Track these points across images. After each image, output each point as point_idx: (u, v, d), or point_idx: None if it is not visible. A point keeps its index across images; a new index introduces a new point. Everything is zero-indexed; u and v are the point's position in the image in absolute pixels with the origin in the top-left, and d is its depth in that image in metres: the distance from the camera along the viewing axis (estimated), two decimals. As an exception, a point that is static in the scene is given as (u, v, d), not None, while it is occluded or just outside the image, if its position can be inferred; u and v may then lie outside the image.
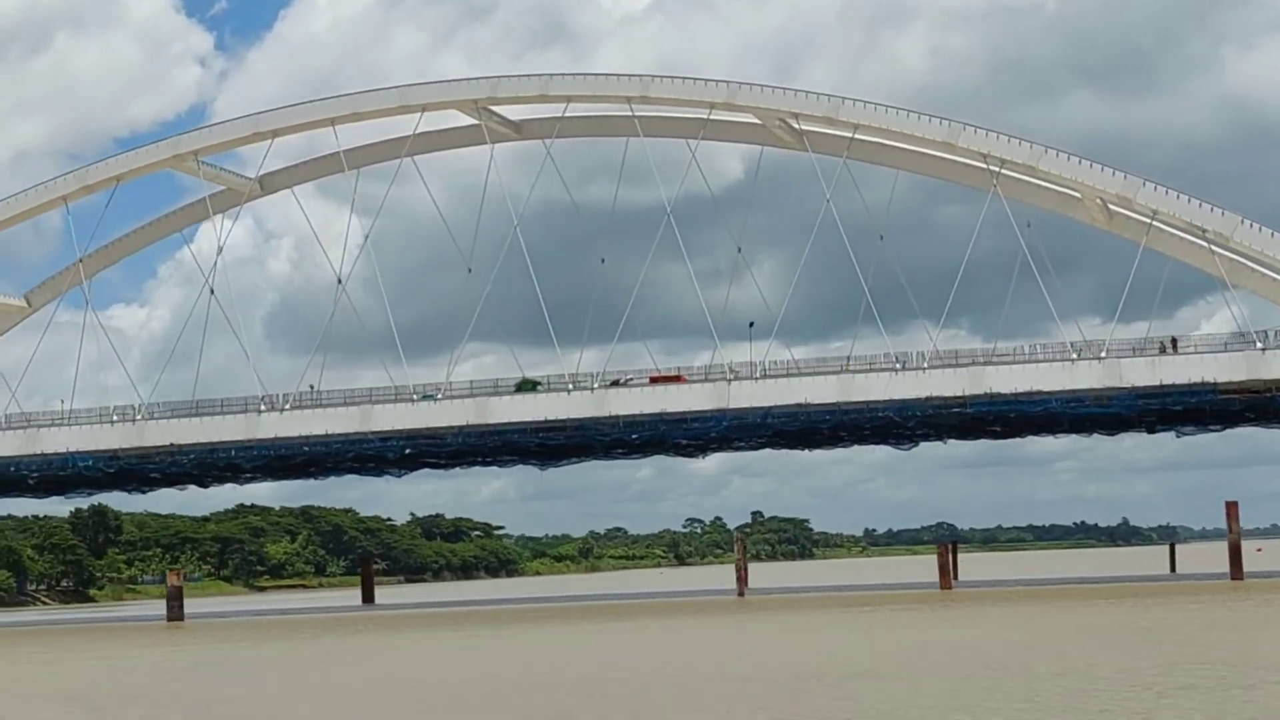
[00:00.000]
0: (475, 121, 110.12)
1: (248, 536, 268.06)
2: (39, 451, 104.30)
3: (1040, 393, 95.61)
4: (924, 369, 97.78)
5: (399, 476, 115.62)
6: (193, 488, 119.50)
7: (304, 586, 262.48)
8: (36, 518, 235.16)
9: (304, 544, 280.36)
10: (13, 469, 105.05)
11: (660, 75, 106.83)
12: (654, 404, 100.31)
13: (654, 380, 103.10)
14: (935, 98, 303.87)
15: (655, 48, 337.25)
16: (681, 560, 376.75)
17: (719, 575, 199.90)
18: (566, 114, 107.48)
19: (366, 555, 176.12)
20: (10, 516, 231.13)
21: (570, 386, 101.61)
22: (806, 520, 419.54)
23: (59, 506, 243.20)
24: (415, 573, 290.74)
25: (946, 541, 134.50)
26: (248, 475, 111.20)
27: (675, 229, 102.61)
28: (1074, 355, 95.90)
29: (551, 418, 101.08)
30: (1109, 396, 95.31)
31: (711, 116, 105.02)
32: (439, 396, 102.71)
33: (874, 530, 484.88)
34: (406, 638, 71.09)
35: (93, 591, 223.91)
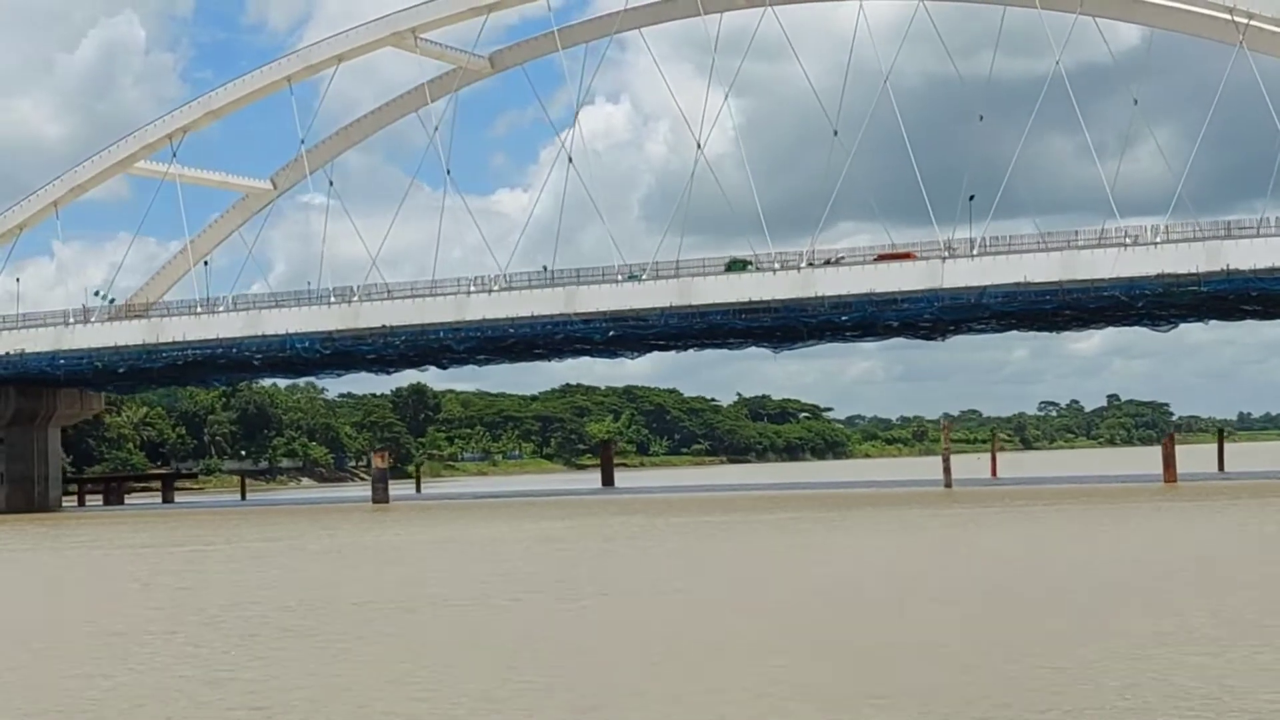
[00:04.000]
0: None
1: (570, 415, 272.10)
2: (260, 333, 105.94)
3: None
4: (1155, 244, 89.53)
5: (613, 358, 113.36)
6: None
7: (625, 465, 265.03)
8: (357, 396, 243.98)
9: (627, 423, 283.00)
10: (235, 350, 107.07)
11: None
12: (862, 284, 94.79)
13: (882, 258, 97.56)
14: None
15: None
16: (1028, 445, 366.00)
17: (1020, 461, 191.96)
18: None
19: (606, 441, 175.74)
20: (329, 394, 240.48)
21: (777, 266, 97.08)
22: (1166, 404, 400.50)
23: (382, 384, 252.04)
24: (739, 454, 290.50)
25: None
26: (459, 356, 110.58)
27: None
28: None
29: (756, 299, 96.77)
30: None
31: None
32: (644, 277, 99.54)
33: (1249, 414, 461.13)
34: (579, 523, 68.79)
35: (409, 468, 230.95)
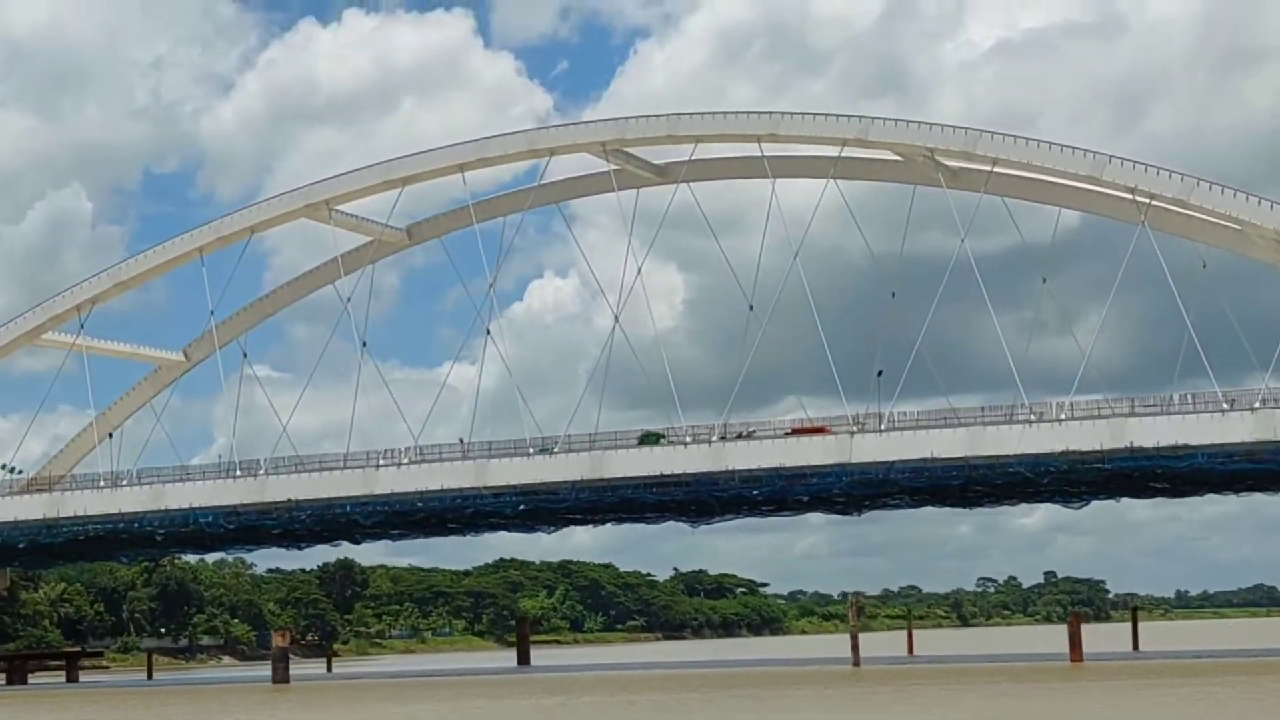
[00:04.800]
0: (617, 166, 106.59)
1: (503, 591, 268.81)
2: (163, 507, 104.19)
3: (1186, 447, 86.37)
4: (1060, 421, 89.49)
5: (529, 532, 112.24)
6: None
7: (558, 643, 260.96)
8: (285, 571, 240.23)
9: (561, 599, 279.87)
10: (138, 525, 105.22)
11: (789, 112, 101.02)
12: (772, 458, 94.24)
13: (795, 431, 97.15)
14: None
15: (995, 94, 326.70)
16: (965, 621, 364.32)
17: (946, 639, 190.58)
18: (694, 156, 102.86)
19: (523, 617, 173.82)
20: (258, 569, 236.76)
21: (689, 439, 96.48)
22: (1102, 581, 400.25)
23: (310, 559, 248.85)
24: (674, 630, 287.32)
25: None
26: (369, 531, 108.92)
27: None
28: (1225, 406, 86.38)
29: (667, 472, 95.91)
30: (1265, 451, 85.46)
31: (844, 154, 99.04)
32: (555, 449, 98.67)
33: (1186, 592, 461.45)
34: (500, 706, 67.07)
35: (337, 646, 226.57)
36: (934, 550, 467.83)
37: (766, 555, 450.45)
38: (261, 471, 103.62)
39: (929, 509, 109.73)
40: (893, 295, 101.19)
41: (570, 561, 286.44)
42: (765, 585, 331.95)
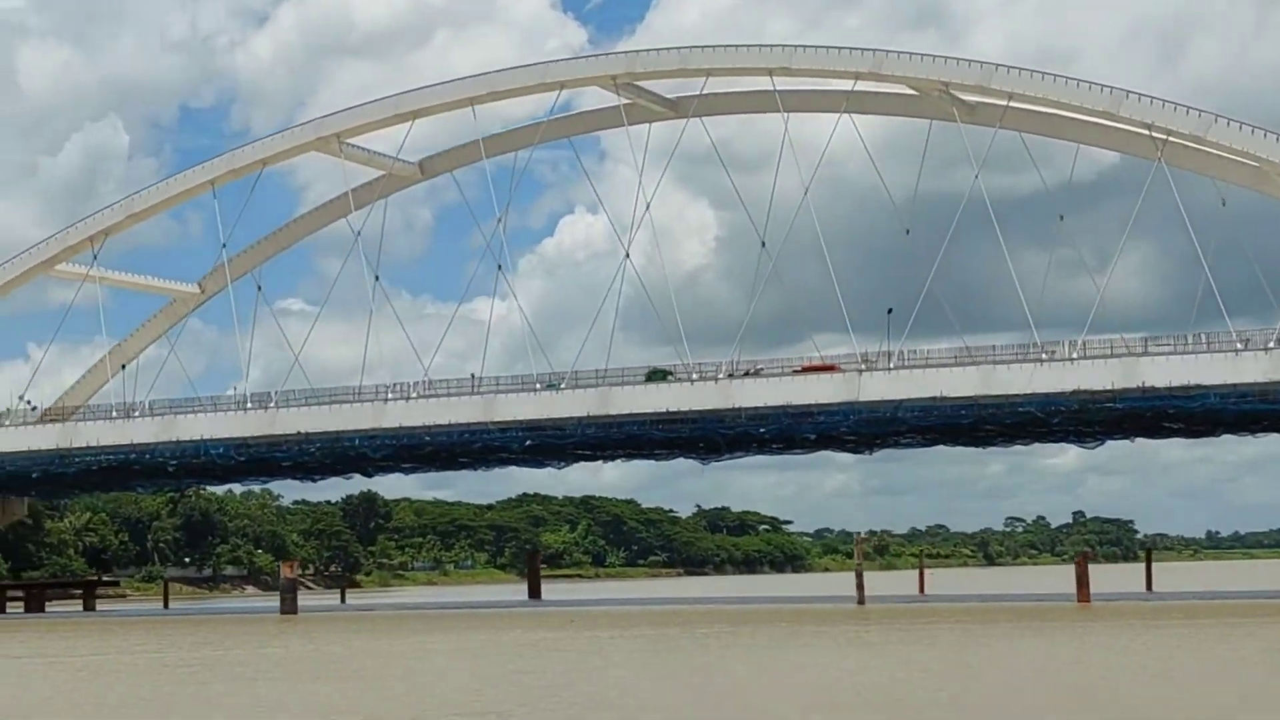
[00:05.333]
0: (629, 100, 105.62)
1: (525, 525, 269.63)
2: (174, 438, 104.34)
3: (1199, 387, 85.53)
4: (1071, 360, 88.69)
5: (538, 467, 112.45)
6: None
7: (580, 577, 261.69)
8: (306, 503, 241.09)
9: (583, 534, 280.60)
10: (149, 456, 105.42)
11: (802, 45, 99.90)
12: (779, 396, 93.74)
13: (805, 369, 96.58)
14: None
15: (1034, 30, 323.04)
16: (991, 561, 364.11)
17: (965, 578, 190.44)
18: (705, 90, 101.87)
19: (533, 550, 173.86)
20: (284, 501, 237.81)
21: (695, 376, 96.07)
22: (1131, 522, 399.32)
23: (331, 492, 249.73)
24: (696, 566, 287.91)
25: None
26: (379, 464, 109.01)
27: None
28: (1239, 346, 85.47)
29: (674, 409, 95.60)
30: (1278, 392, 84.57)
31: (857, 87, 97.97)
32: (562, 386, 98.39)
33: (1217, 533, 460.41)
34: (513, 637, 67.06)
35: (359, 577, 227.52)
36: (963, 490, 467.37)
37: (794, 493, 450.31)
38: (272, 404, 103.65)
39: (958, 449, 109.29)
40: (907, 232, 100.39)
41: (593, 497, 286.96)
42: (789, 523, 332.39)
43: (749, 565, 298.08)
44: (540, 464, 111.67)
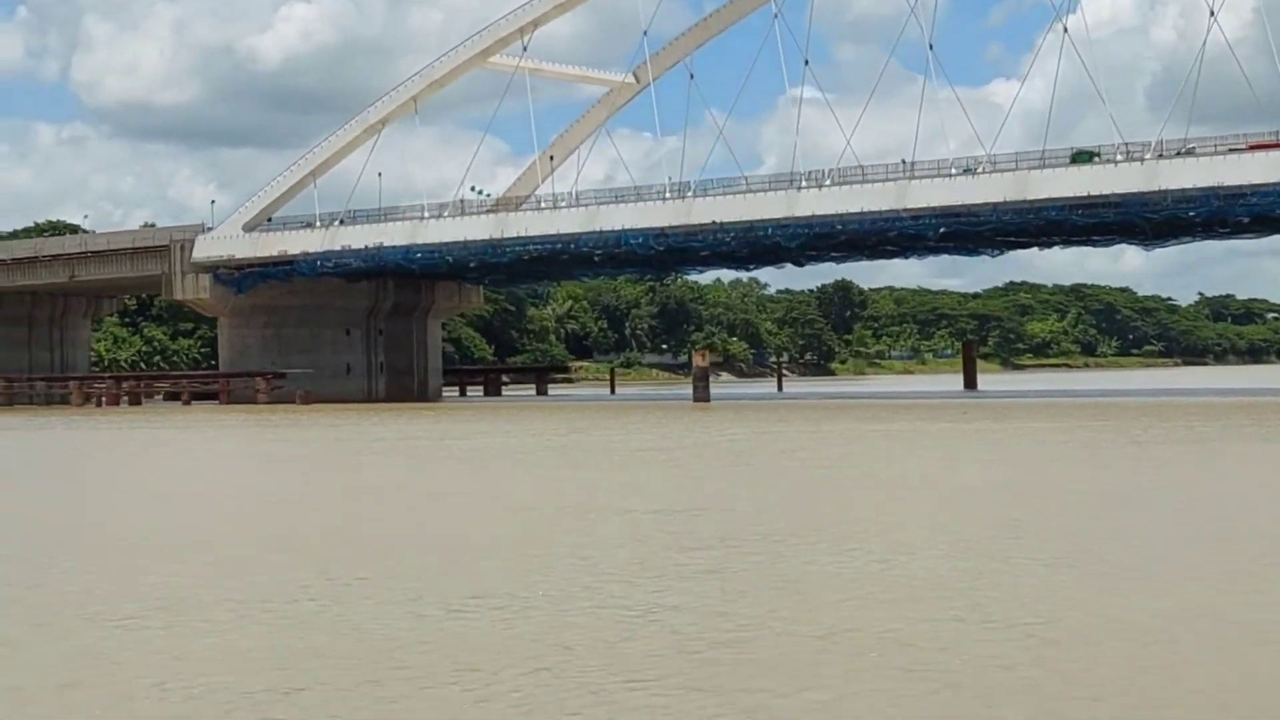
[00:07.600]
0: None
1: (1009, 314, 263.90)
2: (597, 229, 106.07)
3: None
4: None
5: (954, 254, 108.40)
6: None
7: (1067, 366, 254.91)
8: (790, 292, 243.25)
9: (1073, 322, 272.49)
10: (574, 245, 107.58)
11: None
12: (1209, 177, 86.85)
13: (1253, 147, 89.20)
14: None
15: None
16: None
17: None
18: None
19: (969, 340, 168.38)
20: (769, 290, 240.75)
21: (1119, 157, 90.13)
22: None
23: (810, 280, 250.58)
24: (1195, 355, 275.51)
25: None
26: (790, 253, 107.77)
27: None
28: None
29: (1094, 193, 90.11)
30: None
31: None
32: (978, 170, 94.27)
33: None
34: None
35: (834, 365, 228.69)
36: None
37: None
38: (690, 194, 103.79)
39: None
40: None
41: (1084, 285, 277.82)
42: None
43: (1253, 355, 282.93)
44: (954, 252, 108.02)
